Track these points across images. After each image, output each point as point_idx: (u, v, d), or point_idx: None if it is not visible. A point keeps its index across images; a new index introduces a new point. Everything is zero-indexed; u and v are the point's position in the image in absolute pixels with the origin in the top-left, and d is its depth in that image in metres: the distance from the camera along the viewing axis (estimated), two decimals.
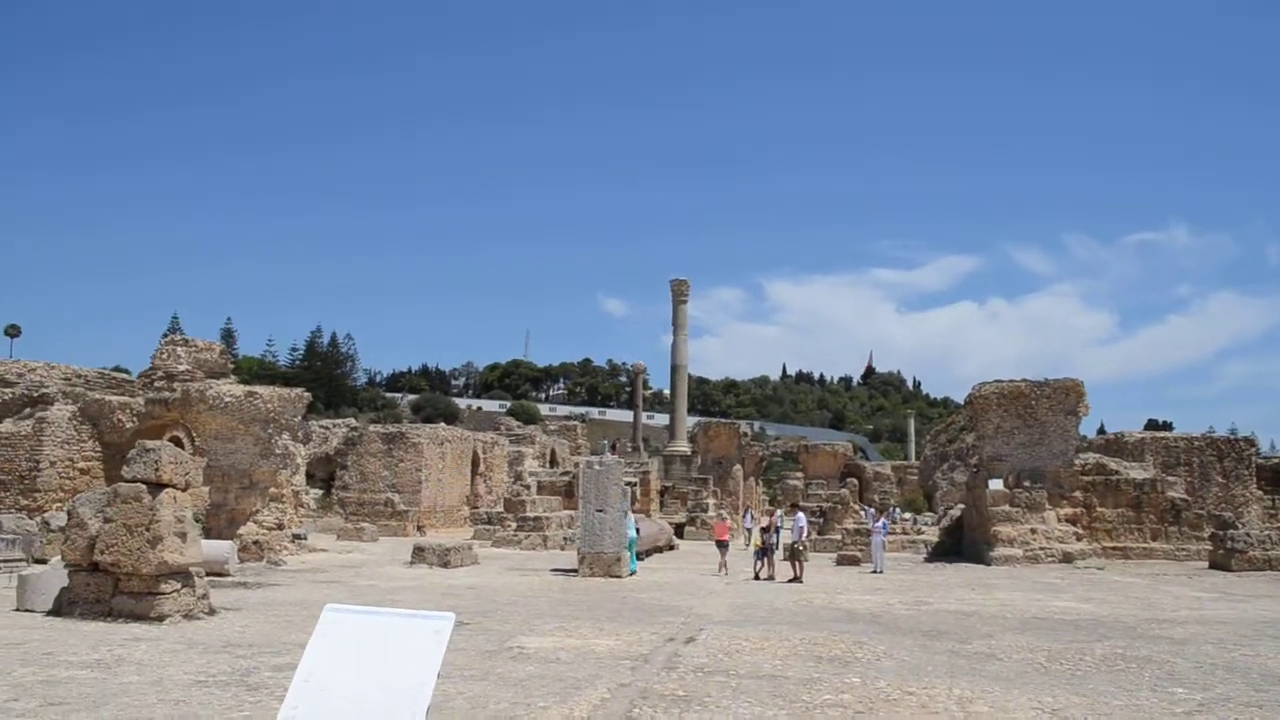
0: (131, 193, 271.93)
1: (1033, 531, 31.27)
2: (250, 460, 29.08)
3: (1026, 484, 32.93)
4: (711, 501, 51.00)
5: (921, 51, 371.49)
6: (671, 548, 38.13)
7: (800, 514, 28.94)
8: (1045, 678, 11.37)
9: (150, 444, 15.43)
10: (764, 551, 26.34)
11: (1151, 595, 22.01)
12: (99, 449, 30.73)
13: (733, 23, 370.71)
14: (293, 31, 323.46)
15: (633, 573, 26.03)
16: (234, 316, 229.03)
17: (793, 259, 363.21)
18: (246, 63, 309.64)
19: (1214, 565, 29.66)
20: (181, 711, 8.86)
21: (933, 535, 39.31)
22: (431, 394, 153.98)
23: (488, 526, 40.52)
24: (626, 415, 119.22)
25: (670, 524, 43.55)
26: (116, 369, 47.24)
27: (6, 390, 31.68)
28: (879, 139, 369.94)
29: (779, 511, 29.06)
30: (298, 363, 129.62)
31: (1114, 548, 32.87)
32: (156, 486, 14.94)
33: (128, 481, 15.01)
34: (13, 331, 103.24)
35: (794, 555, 26.07)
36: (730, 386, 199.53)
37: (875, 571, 28.04)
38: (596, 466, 27.10)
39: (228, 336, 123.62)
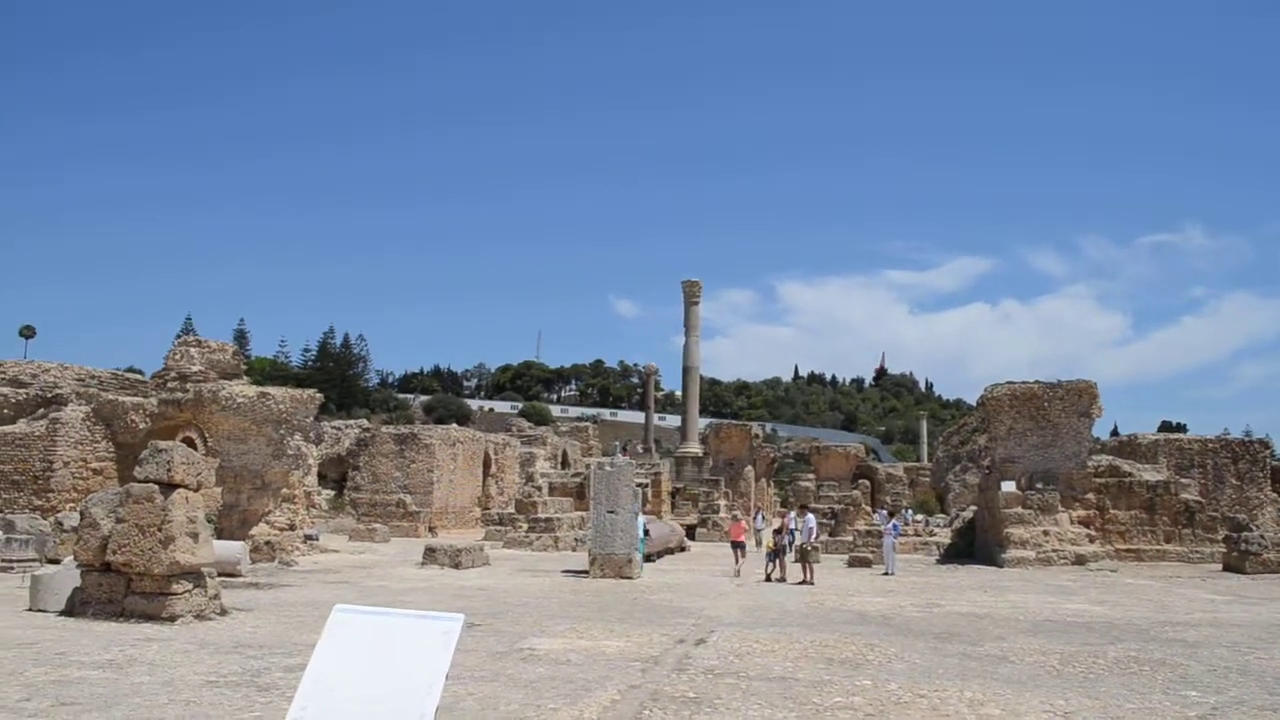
0: (145, 193, 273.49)
1: (1045, 533, 31.16)
2: (263, 461, 29.16)
3: (1039, 486, 32.81)
4: (723, 503, 50.93)
5: (934, 51, 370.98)
6: (683, 549, 38.09)
7: (810, 515, 28.88)
8: (1057, 680, 11.32)
9: (162, 444, 15.47)
10: (776, 553, 26.31)
11: (1164, 598, 21.90)
12: (112, 449, 30.83)
13: (743, 21, 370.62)
14: (302, 32, 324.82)
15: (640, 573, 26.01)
16: (247, 317, 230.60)
17: (805, 260, 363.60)
18: (258, 62, 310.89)
19: (1228, 568, 29.49)
20: (193, 712, 8.89)
21: (945, 537, 39.17)
22: (444, 395, 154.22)
23: (499, 528, 40.54)
24: (638, 416, 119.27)
25: (682, 525, 43.50)
26: (130, 370, 47.50)
27: (20, 391, 31.83)
28: (892, 139, 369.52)
29: (791, 513, 29.00)
30: (310, 364, 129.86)
31: (1127, 550, 32.72)
32: (169, 487, 14.99)
33: (140, 482, 15.05)
34: (27, 333, 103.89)
35: (804, 557, 26.02)
36: (742, 388, 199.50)
37: (887, 573, 27.96)
38: (608, 468, 27.10)
39: (240, 337, 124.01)
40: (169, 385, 33.41)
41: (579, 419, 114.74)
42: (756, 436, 60.56)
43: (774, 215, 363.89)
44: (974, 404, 43.94)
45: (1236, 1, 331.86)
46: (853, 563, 31.49)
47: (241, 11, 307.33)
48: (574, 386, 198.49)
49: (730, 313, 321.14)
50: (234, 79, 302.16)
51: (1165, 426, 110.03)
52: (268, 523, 28.69)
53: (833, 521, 42.39)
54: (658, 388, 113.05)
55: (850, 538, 37.34)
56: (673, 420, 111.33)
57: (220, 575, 17.40)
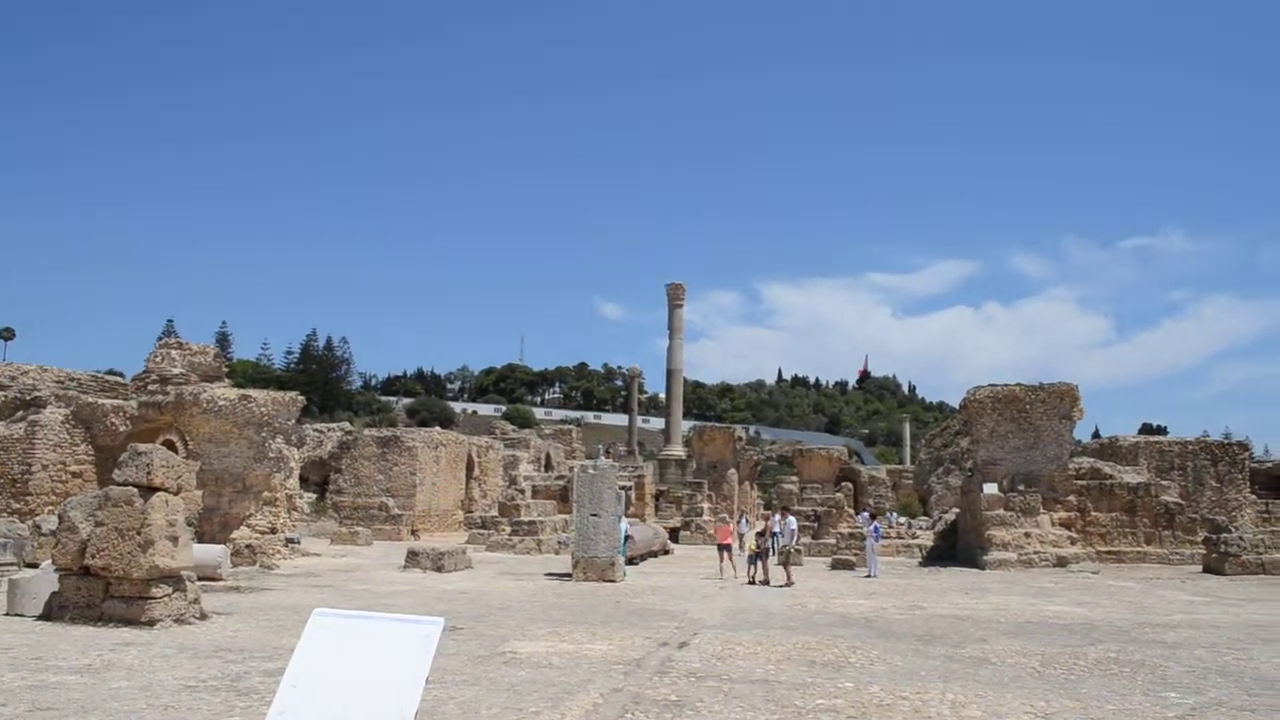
0: (126, 195, 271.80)
1: (1027, 535, 31.29)
2: (244, 464, 29.01)
3: (1021, 488, 32.96)
4: (706, 506, 50.94)
5: (919, 54, 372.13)
6: (666, 552, 38.07)
7: (791, 518, 28.91)
8: (1039, 682, 11.36)
9: (142, 447, 15.36)
10: (758, 556, 26.34)
11: (1145, 599, 22.02)
12: (92, 452, 30.61)
13: (730, 23, 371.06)
14: (287, 29, 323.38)
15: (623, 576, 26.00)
16: (229, 320, 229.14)
17: (789, 263, 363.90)
18: (239, 60, 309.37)
19: (1207, 569, 29.69)
20: (171, 716, 8.82)
21: (927, 539, 39.31)
22: (427, 398, 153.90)
23: (482, 531, 40.43)
24: (622, 419, 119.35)
25: (665, 528, 43.48)
26: (110, 372, 47.21)
27: None
28: (878, 142, 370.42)
29: (775, 516, 29.06)
30: (293, 366, 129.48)
31: (1108, 552, 32.89)
32: (148, 490, 14.88)
33: (119, 485, 14.94)
34: (6, 335, 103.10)
35: (784, 559, 26.04)
36: (726, 390, 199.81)
37: (869, 576, 28.02)
38: (591, 471, 27.07)
39: (222, 340, 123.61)
40: (150, 388, 33.21)
41: (562, 422, 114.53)
42: (740, 439, 60.62)
43: (758, 218, 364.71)
44: (956, 407, 44.09)
45: (1217, 5, 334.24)
46: (835, 565, 31.55)
47: (219, 7, 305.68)
48: (558, 389, 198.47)
49: (715, 315, 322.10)
50: (215, 78, 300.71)
51: (1146, 429, 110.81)
52: (249, 526, 28.54)
53: (816, 524, 42.47)
54: (641, 390, 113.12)
55: (833, 540, 37.44)
56: (656, 423, 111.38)
57: (201, 579, 17.30)
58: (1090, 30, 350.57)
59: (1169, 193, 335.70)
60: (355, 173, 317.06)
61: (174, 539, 14.86)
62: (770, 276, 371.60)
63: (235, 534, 27.94)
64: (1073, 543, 31.94)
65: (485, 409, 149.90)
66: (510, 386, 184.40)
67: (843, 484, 58.11)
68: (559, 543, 35.81)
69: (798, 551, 28.38)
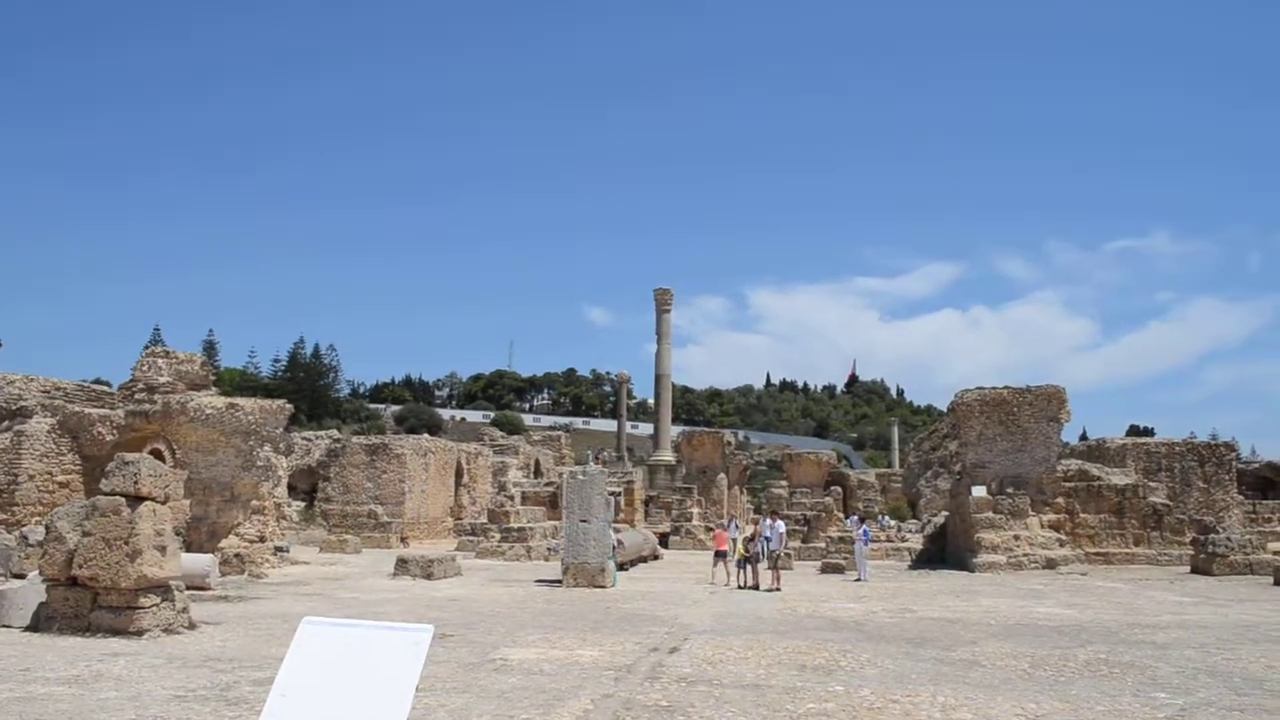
0: (112, 202, 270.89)
1: (1016, 538, 31.36)
2: (232, 473, 28.90)
3: (1009, 491, 33.05)
4: (696, 511, 50.96)
5: (904, 58, 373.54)
6: (656, 557, 38.06)
7: (780, 522, 28.92)
8: (1029, 684, 11.38)
9: (129, 457, 15.30)
10: (747, 560, 26.35)
11: (1134, 600, 22.09)
12: (78, 462, 30.47)
13: (716, 25, 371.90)
14: (271, 33, 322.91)
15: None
16: (216, 328, 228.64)
17: (776, 267, 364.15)
18: (224, 69, 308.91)
19: (1195, 570, 29.80)
20: None
21: (917, 543, 39.36)
22: (415, 405, 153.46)
23: (471, 538, 40.38)
24: (611, 425, 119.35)
25: (655, 533, 43.49)
26: (97, 381, 46.92)
27: None
28: (862, 146, 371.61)
29: (765, 520, 29.10)
30: (280, 374, 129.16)
31: (1097, 553, 33.00)
32: (135, 500, 14.81)
33: (107, 495, 14.88)
34: None
35: (773, 563, 26.05)
36: (714, 395, 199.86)
37: (859, 580, 28.04)
38: (580, 477, 27.05)
39: (209, 348, 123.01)
40: (136, 397, 33.07)
41: (551, 428, 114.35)
42: (729, 444, 60.63)
43: (745, 223, 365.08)
44: (945, 410, 44.25)
45: (1203, 11, 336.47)
46: (825, 569, 31.56)
47: (199, 16, 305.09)
48: (546, 395, 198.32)
49: (702, 320, 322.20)
50: (199, 87, 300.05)
51: (1133, 430, 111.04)
52: (237, 535, 28.42)
53: (805, 528, 42.52)
54: (630, 396, 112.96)
55: (823, 544, 37.45)
56: (645, 428, 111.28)
57: (189, 588, 17.22)
58: (1076, 33, 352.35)
59: (1154, 195, 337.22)
60: (342, 180, 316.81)
61: (162, 548, 14.80)
62: (757, 282, 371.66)
63: (223, 543, 27.81)
64: (1061, 545, 32.05)
65: (474, 416, 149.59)
66: (499, 393, 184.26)
67: (832, 488, 58.34)
68: (549, 549, 35.78)
69: (787, 556, 28.33)
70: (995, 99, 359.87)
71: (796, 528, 42.68)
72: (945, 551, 35.65)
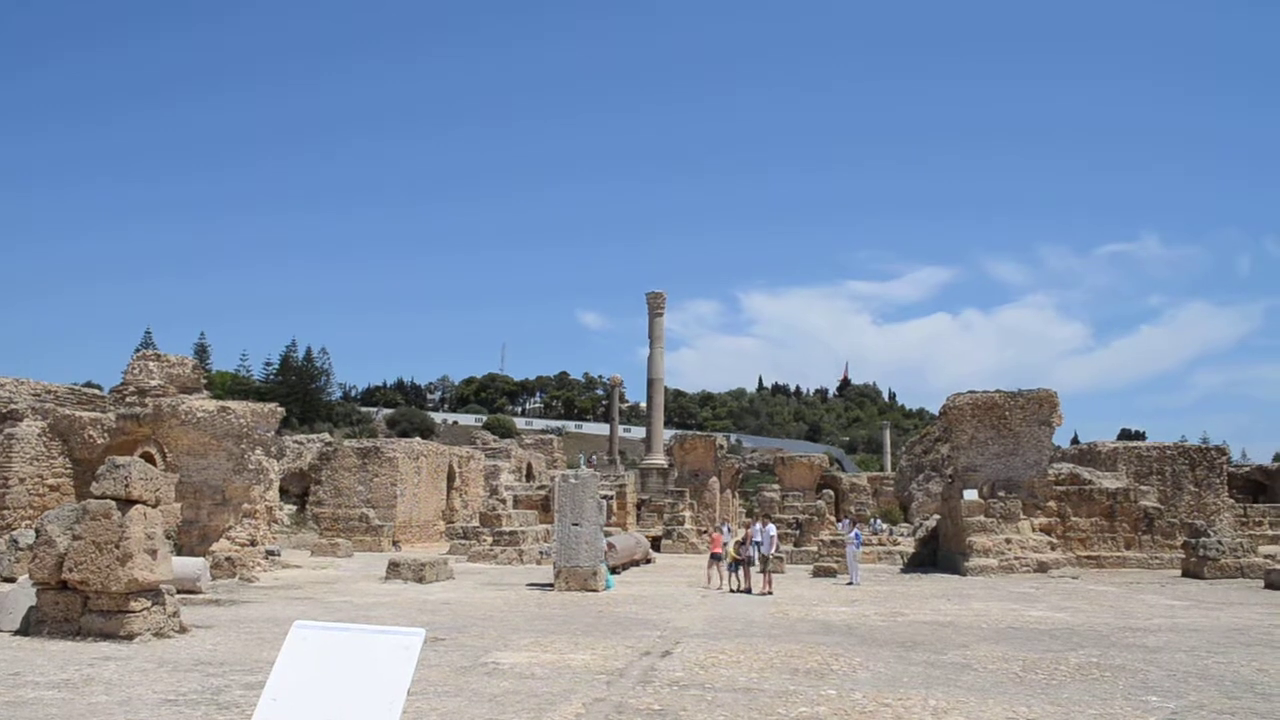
0: (102, 205, 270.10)
1: (1007, 541, 31.42)
2: (223, 476, 28.85)
3: (1001, 494, 33.12)
4: (688, 514, 50.98)
5: (895, 61, 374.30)
6: (648, 561, 38.07)
7: (771, 525, 28.94)
8: (1020, 687, 11.40)
9: (120, 460, 15.25)
10: (739, 563, 26.38)
11: (1125, 604, 22.14)
12: (69, 465, 30.40)
13: (709, 33, 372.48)
14: (263, 35, 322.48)
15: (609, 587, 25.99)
16: (207, 331, 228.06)
17: (768, 271, 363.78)
18: (213, 70, 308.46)
19: (1187, 573, 29.89)
20: None
21: (909, 546, 39.43)
22: (407, 408, 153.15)
23: (463, 541, 40.36)
24: (603, 429, 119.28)
25: (647, 537, 43.51)
26: (88, 384, 46.89)
27: None
28: (853, 150, 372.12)
29: (756, 524, 29.11)
30: (272, 377, 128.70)
31: (1088, 557, 33.08)
32: (126, 503, 14.77)
33: (97, 498, 14.83)
34: None
35: (764, 567, 26.07)
36: (707, 399, 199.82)
37: (850, 583, 28.08)
38: (572, 480, 27.04)
39: (201, 351, 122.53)
40: (128, 400, 33.02)
41: (544, 431, 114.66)
42: (721, 447, 60.63)
43: (737, 226, 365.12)
44: (937, 413, 44.30)
45: (1192, 16, 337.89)
46: (817, 572, 31.61)
47: (187, 18, 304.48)
48: (539, 399, 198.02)
49: (695, 324, 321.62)
50: (191, 89, 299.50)
51: (1125, 434, 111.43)
52: (228, 538, 28.37)
53: (797, 532, 42.53)
54: (622, 399, 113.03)
55: (814, 548, 37.51)
56: (638, 432, 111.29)
57: (180, 592, 17.19)
58: (1067, 38, 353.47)
59: (1146, 200, 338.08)
60: (335, 183, 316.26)
61: (153, 552, 14.76)
62: (750, 285, 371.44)
63: (215, 546, 27.76)
64: (1053, 548, 32.13)
65: (466, 419, 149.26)
66: (491, 396, 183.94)
67: (824, 491, 58.24)
68: (541, 553, 35.78)
69: (779, 559, 28.33)
70: (987, 103, 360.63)
71: (788, 531, 42.68)
72: (937, 555, 35.70)
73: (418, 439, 59.24)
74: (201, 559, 24.43)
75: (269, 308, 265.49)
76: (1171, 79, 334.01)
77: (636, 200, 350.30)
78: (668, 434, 67.26)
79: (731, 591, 25.68)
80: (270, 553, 30.57)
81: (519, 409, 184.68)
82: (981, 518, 31.95)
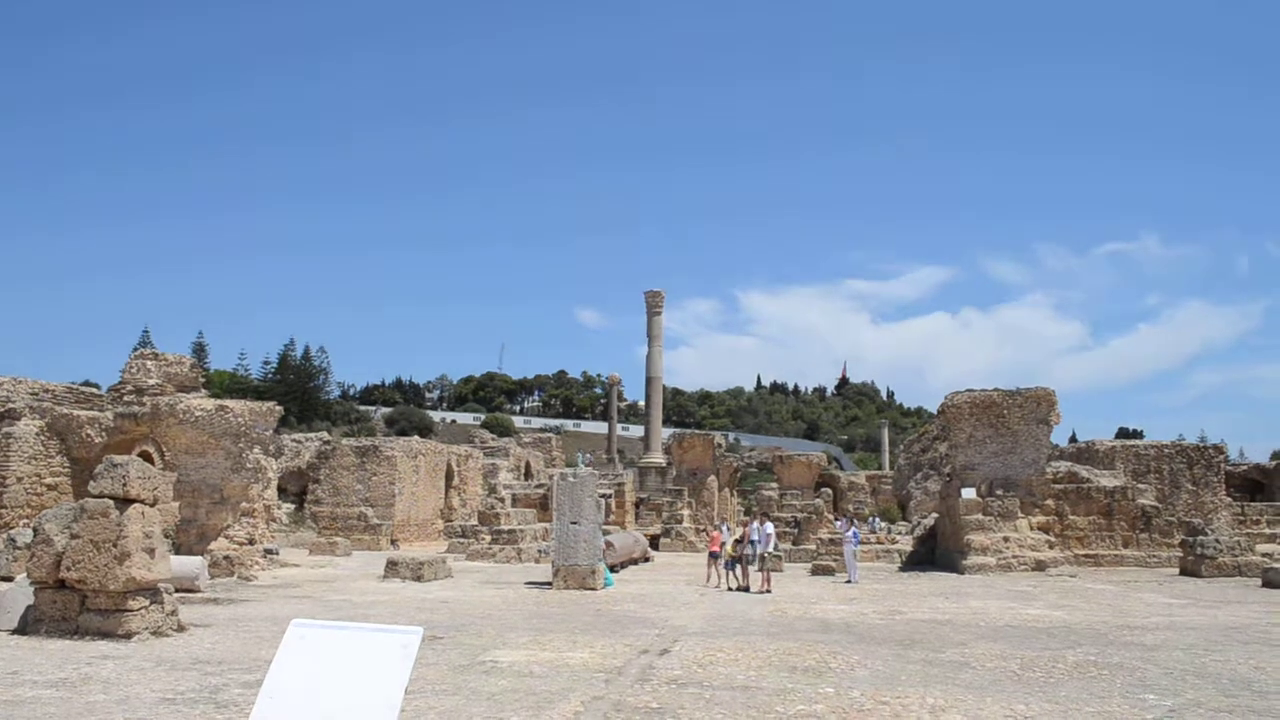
0: (100, 202, 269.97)
1: (1005, 540, 31.44)
2: (221, 475, 28.83)
3: (999, 493, 33.13)
4: (687, 513, 50.96)
5: (894, 64, 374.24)
6: (647, 559, 38.06)
7: (769, 524, 28.95)
8: (1018, 685, 11.41)
9: (118, 459, 15.25)
10: (736, 561, 26.38)
11: (1123, 602, 22.16)
12: (67, 464, 30.40)
13: (708, 32, 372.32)
14: (261, 29, 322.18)
15: (608, 585, 26.00)
16: (206, 329, 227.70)
17: (767, 270, 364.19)
18: (210, 66, 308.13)
19: (1184, 571, 29.91)
20: None
21: (907, 544, 39.45)
22: (405, 407, 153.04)
23: (462, 540, 40.35)
24: (602, 427, 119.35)
25: (646, 535, 43.51)
26: (85, 383, 46.85)
27: None
28: (851, 149, 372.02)
29: (754, 523, 29.12)
30: (270, 376, 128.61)
31: (1086, 555, 33.10)
32: (124, 502, 14.77)
33: (95, 497, 14.82)
34: None
35: (762, 565, 26.08)
36: (705, 398, 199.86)
37: (848, 581, 28.10)
38: (570, 479, 27.03)
39: (199, 350, 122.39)
40: (125, 399, 33.01)
41: (542, 430, 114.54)
42: (720, 446, 60.59)
43: (736, 225, 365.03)
44: (935, 412, 44.35)
45: (1191, 14, 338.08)
46: (815, 571, 31.62)
47: (183, 13, 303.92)
48: (537, 397, 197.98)
49: (693, 322, 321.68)
50: (188, 84, 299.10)
51: (1122, 433, 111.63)
52: (226, 537, 28.36)
53: (796, 530, 42.56)
54: (621, 398, 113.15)
55: (813, 546, 37.53)
56: (636, 431, 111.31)
57: (178, 591, 17.18)
58: (1066, 36, 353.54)
59: (1144, 199, 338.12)
60: (333, 180, 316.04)
61: (151, 551, 14.75)
62: (748, 284, 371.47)
63: (213, 545, 27.75)
64: (1051, 546, 32.14)
65: (464, 418, 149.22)
66: (489, 395, 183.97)
67: (822, 490, 58.38)
68: (539, 551, 35.77)
69: (777, 558, 28.34)
70: (987, 103, 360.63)
71: (787, 530, 42.73)
72: (935, 553, 35.73)
73: (416, 438, 59.20)
74: (200, 558, 24.42)
75: (267, 306, 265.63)
76: (1171, 78, 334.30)
77: (635, 198, 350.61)
78: (666, 433, 67.30)
79: (730, 590, 25.69)
80: (268, 551, 30.56)
81: (517, 408, 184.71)
82: (979, 516, 31.96)
